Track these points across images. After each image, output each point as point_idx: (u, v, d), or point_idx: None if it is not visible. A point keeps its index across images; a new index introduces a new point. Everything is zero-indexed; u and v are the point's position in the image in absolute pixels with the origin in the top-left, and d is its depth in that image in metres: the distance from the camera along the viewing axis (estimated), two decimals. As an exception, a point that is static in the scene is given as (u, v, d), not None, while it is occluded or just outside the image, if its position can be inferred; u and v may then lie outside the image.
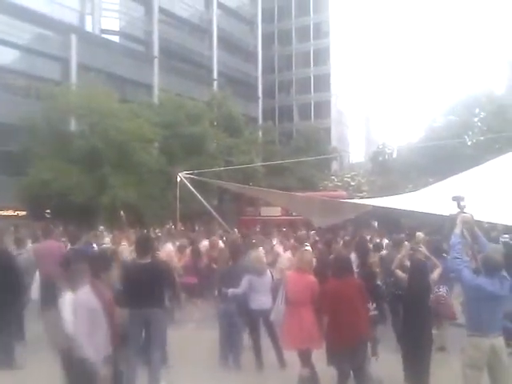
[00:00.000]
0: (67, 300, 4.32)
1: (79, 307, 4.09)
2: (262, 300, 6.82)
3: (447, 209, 5.78)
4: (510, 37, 51.63)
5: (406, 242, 8.36)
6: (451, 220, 5.36)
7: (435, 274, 6.70)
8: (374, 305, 6.41)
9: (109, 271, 4.47)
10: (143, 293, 5.72)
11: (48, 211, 23.22)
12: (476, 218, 5.38)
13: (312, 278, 6.15)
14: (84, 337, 4.00)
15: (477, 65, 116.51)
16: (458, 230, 4.96)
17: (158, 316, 5.91)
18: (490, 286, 4.53)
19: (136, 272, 5.95)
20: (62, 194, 21.42)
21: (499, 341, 4.65)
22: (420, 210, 8.02)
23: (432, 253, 7.43)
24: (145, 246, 6.17)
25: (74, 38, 34.23)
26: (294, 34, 61.04)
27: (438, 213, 7.15)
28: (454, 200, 5.28)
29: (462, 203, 5.21)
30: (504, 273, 4.71)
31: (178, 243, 10.68)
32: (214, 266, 8.91)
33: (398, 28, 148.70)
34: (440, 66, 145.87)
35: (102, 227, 11.49)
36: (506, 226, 10.20)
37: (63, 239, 9.95)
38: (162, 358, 6.25)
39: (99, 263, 4.51)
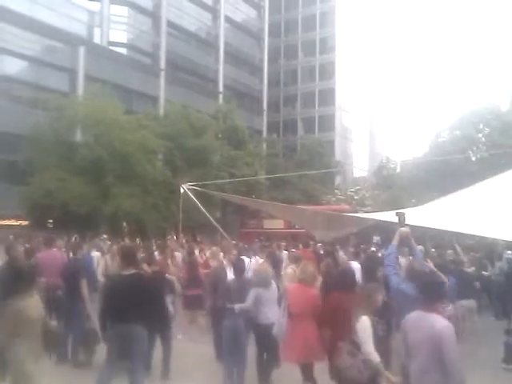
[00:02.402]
0: None
1: None
2: (269, 313, 6.56)
3: (451, 224, 5.89)
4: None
5: (411, 257, 8.33)
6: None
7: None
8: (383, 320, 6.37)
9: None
10: (123, 306, 5.36)
11: (50, 221, 23.27)
12: (479, 233, 5.72)
13: (314, 291, 6.08)
14: None
15: (482, 80, 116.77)
16: (395, 242, 5.60)
17: (137, 333, 5.49)
18: (411, 291, 4.98)
19: (117, 284, 5.69)
20: (65, 203, 21.47)
21: None
22: (424, 225, 7.97)
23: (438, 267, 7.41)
24: (128, 256, 5.83)
25: (81, 50, 34.64)
26: (300, 49, 61.53)
27: (442, 228, 7.12)
28: (396, 215, 5.93)
29: (402, 219, 5.85)
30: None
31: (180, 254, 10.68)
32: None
33: (404, 43, 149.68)
34: (445, 81, 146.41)
35: (105, 236, 11.48)
36: (509, 242, 10.19)
37: (64, 249, 9.95)
38: (143, 374, 5.88)
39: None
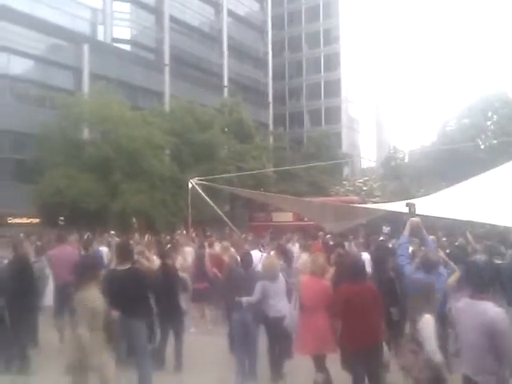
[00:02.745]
0: None
1: None
2: (278, 306, 6.54)
3: (461, 213, 5.94)
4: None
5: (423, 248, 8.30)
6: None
7: (452, 280, 6.61)
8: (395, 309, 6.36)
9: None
10: (119, 301, 5.33)
11: (61, 218, 23.44)
12: (491, 221, 5.84)
13: (326, 283, 6.07)
14: None
15: (490, 67, 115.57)
16: (406, 232, 5.78)
17: (135, 327, 5.51)
18: (425, 280, 5.18)
19: (113, 279, 5.66)
20: (75, 201, 21.61)
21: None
22: (435, 215, 7.94)
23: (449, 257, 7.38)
24: (124, 252, 5.86)
25: (86, 48, 34.69)
26: (304, 40, 61.14)
27: (452, 217, 7.08)
28: (406, 206, 6.13)
29: (412, 209, 6.05)
30: (440, 270, 5.60)
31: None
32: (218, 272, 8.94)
33: (409, 31, 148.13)
34: (452, 69, 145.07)
35: (112, 232, 11.53)
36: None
37: (76, 245, 10.00)
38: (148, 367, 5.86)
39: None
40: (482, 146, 33.22)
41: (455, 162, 29.58)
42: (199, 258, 9.81)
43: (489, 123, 35.55)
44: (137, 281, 5.67)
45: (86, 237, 8.61)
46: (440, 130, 37.98)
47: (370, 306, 5.45)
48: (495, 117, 35.19)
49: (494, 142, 30.78)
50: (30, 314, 7.08)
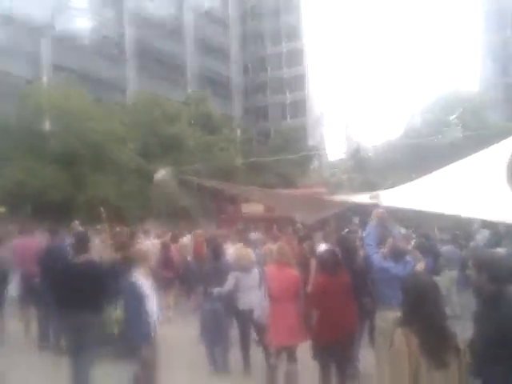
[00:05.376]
0: None
1: None
2: (250, 299, 6.39)
3: (425, 204, 6.14)
4: (482, 35, 52.70)
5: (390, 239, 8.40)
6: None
7: (418, 268, 6.72)
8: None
9: None
10: (75, 295, 5.13)
11: (26, 210, 22.73)
12: (455, 212, 6.03)
13: (293, 272, 5.98)
14: None
15: (451, 60, 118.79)
16: (372, 222, 5.89)
17: (91, 322, 5.25)
18: (394, 269, 5.40)
19: (67, 272, 5.43)
20: (39, 193, 20.99)
21: None
22: (399, 206, 8.05)
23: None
24: (79, 243, 5.57)
25: (45, 38, 33.54)
26: (267, 36, 61.19)
27: (416, 208, 7.20)
28: (370, 199, 6.20)
29: (376, 200, 6.12)
30: (408, 258, 5.73)
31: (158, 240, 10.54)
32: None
33: (375, 25, 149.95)
34: (415, 63, 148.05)
35: (76, 222, 11.22)
36: (484, 221, 10.44)
37: (40, 236, 9.68)
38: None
39: None
40: (447, 140, 34.07)
41: (420, 155, 30.23)
42: (164, 246, 9.84)
43: (452, 117, 36.52)
44: (94, 274, 5.35)
45: (50, 228, 8.32)
46: (405, 124, 38.78)
47: (345, 298, 5.54)
48: (458, 111, 36.14)
49: (459, 135, 31.69)
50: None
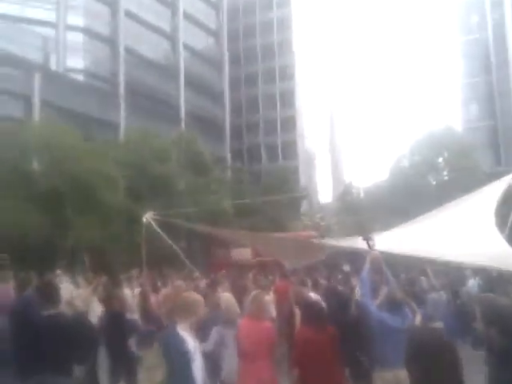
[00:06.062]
0: None
1: None
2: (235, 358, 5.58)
3: (419, 249, 5.93)
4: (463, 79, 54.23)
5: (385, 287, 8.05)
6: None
7: (417, 321, 6.36)
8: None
9: None
10: (41, 353, 4.54)
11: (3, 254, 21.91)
12: (444, 258, 5.86)
13: (268, 325, 5.41)
14: None
15: (435, 103, 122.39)
16: (366, 268, 5.51)
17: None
18: (392, 321, 4.93)
19: (34, 327, 4.79)
20: (21, 235, 20.30)
21: (403, 373, 4.51)
22: (393, 251, 7.79)
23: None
24: (47, 294, 4.96)
25: (37, 76, 33.75)
26: (260, 77, 62.42)
27: (410, 253, 6.98)
28: (363, 240, 5.84)
29: (370, 242, 5.75)
30: (405, 309, 5.29)
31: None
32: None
33: (363, 66, 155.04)
34: (402, 106, 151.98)
35: (59, 271, 10.65)
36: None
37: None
38: None
39: None
40: (434, 183, 34.41)
41: (409, 197, 30.34)
42: (143, 297, 9.12)
43: (440, 160, 37.00)
44: (63, 329, 4.72)
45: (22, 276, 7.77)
46: (393, 166, 39.15)
47: (330, 354, 4.99)
48: (445, 154, 36.65)
49: (445, 178, 32.07)
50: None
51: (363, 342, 5.70)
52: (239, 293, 9.10)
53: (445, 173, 35.43)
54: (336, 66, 71.55)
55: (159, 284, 11.27)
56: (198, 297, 4.65)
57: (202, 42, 55.23)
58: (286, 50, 60.98)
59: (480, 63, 52.55)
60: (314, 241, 15.33)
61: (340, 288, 9.28)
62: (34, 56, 36.60)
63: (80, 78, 40.75)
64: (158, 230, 10.66)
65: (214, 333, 5.65)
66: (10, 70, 33.22)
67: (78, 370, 5.11)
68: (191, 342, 4.22)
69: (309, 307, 5.42)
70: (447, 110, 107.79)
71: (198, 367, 4.21)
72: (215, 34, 57.45)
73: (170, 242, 10.53)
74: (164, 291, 9.78)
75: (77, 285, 10.13)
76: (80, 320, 5.96)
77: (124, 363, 6.36)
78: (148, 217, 10.79)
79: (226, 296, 6.87)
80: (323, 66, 66.52)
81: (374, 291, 6.37)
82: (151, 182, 27.17)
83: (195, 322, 4.40)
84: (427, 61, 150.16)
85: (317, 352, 4.88)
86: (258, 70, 62.35)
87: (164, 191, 27.22)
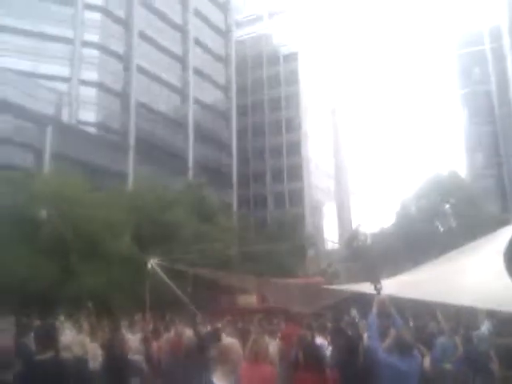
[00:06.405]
0: None
1: None
2: None
3: (427, 294, 5.90)
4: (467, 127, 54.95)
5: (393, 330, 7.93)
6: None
7: (426, 364, 6.26)
8: None
9: None
10: None
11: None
12: (459, 302, 5.75)
13: (268, 369, 5.34)
14: None
15: (441, 150, 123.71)
16: (374, 311, 5.48)
17: None
18: (402, 365, 4.84)
19: (31, 372, 4.83)
20: (24, 282, 20.29)
21: None
22: (401, 295, 7.74)
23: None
24: (44, 338, 5.02)
25: (49, 129, 34.78)
26: (266, 127, 63.88)
27: (418, 297, 6.93)
28: (371, 284, 5.89)
29: (378, 286, 5.76)
30: (415, 351, 5.20)
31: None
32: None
33: (368, 113, 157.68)
34: (407, 150, 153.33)
35: (62, 317, 10.61)
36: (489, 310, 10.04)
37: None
38: None
39: None
40: (441, 229, 34.18)
41: (416, 243, 30.09)
42: (145, 341, 9.11)
43: (447, 206, 36.81)
44: (60, 373, 4.80)
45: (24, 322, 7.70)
46: (399, 211, 39.03)
47: None
48: (452, 199, 36.52)
49: (453, 225, 31.89)
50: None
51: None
52: (243, 338, 9.03)
53: (452, 219, 35.21)
54: (341, 115, 73.04)
55: (162, 329, 11.11)
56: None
57: (211, 95, 56.94)
58: (293, 103, 62.68)
59: (484, 113, 53.57)
60: (322, 287, 15.20)
61: (348, 331, 9.14)
62: (48, 110, 37.87)
63: (92, 130, 41.95)
64: (162, 275, 10.71)
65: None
66: (22, 123, 34.34)
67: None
68: None
69: (307, 351, 5.45)
70: (451, 157, 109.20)
71: None
72: (224, 88, 59.28)
73: (172, 286, 10.54)
74: (166, 336, 9.67)
75: (80, 331, 10.05)
76: (74, 364, 5.95)
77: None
78: (153, 263, 10.87)
79: (227, 341, 6.88)
80: (327, 114, 68.07)
81: (382, 335, 6.32)
82: (157, 229, 27.29)
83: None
84: (430, 109, 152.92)
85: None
86: (265, 120, 63.91)
87: (170, 238, 27.27)
